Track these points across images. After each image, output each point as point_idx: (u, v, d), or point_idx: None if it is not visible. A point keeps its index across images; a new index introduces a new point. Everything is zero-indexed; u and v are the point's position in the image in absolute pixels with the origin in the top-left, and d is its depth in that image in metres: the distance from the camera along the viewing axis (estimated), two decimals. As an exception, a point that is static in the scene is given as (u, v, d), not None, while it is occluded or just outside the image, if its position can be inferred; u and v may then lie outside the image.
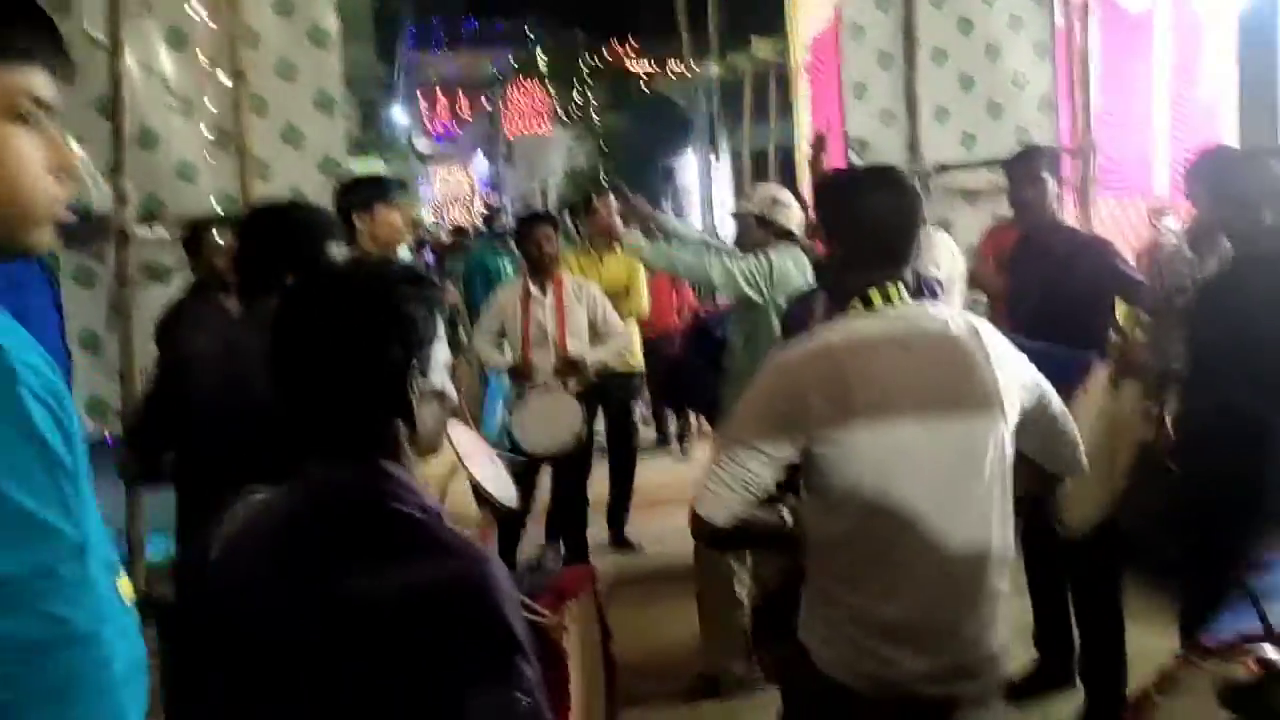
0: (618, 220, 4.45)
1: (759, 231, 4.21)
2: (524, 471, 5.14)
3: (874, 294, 2.09)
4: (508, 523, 5.14)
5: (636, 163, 18.03)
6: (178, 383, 2.54)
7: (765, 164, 12.42)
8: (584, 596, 1.92)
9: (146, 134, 5.02)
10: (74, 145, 4.88)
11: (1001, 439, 2.09)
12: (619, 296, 5.74)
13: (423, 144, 25.45)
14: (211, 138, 5.11)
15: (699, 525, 2.08)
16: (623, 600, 5.07)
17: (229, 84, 5.10)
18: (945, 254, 4.27)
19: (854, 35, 6.11)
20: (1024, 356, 2.19)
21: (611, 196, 5.18)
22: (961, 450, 2.04)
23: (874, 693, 2.04)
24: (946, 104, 6.16)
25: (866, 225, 2.11)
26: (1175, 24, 7.03)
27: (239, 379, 2.34)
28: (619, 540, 5.98)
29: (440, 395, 1.46)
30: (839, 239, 2.18)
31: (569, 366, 5.06)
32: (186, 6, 5.03)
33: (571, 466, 5.25)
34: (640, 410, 6.77)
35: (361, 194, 3.50)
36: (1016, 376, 2.14)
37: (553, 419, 4.99)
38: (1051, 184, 3.62)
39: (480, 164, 26.18)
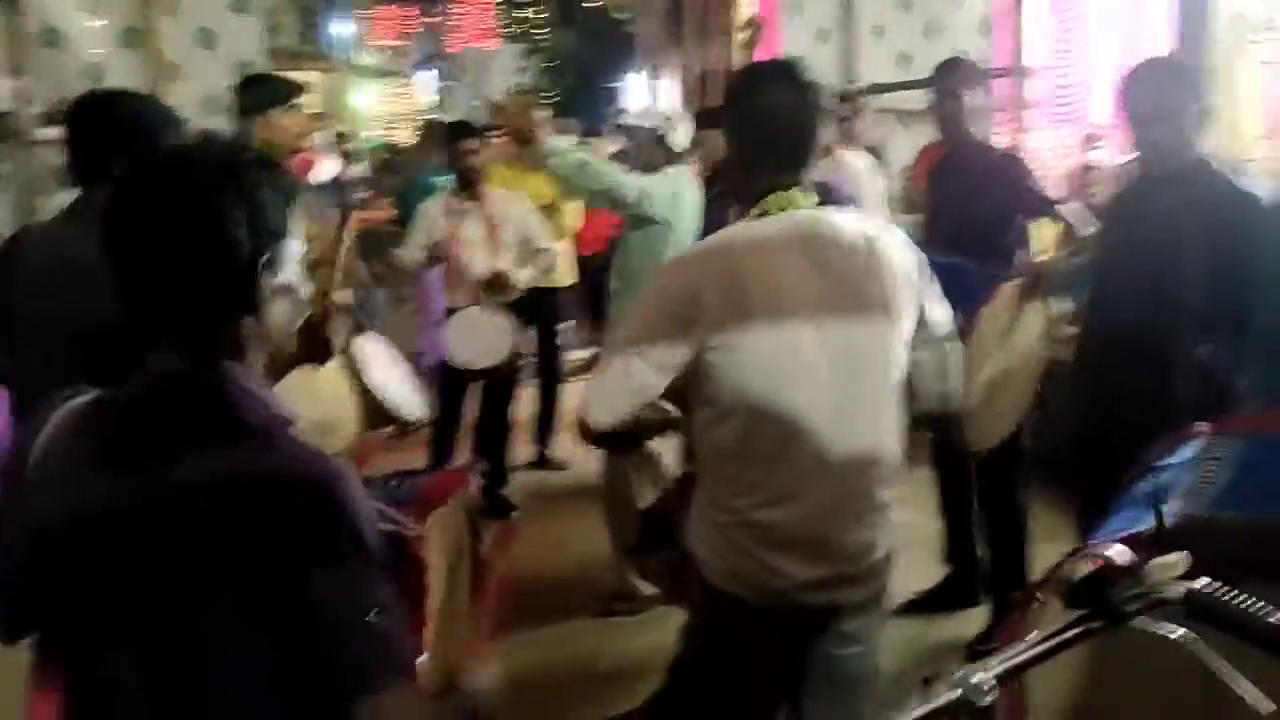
0: (535, 118, 4.14)
1: (656, 149, 4.14)
2: (452, 388, 5.10)
3: (774, 198, 2.04)
4: (441, 439, 5.10)
5: (583, 81, 17.73)
6: None
7: (708, 84, 12.23)
8: (452, 502, 1.88)
9: (51, 32, 4.81)
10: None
11: (895, 347, 2.07)
12: (546, 213, 5.63)
13: (365, 58, 24.76)
14: (120, 36, 4.91)
15: (585, 430, 2.06)
16: (544, 517, 5.08)
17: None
18: (851, 174, 4.22)
19: (792, -51, 6.00)
20: (928, 277, 2.16)
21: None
22: (852, 356, 2.02)
23: (759, 600, 2.04)
24: (884, 23, 6.10)
25: (764, 124, 2.05)
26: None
27: (47, 274, 2.24)
28: (544, 459, 5.96)
29: (291, 291, 1.37)
30: (739, 139, 2.13)
31: (496, 280, 4.98)
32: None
33: (498, 384, 5.19)
34: (573, 329, 6.71)
35: (255, 96, 3.34)
36: (912, 291, 2.11)
37: (483, 334, 4.90)
38: (969, 99, 3.58)
39: (427, 81, 25.56)
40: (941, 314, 2.21)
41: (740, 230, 2.08)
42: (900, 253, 2.11)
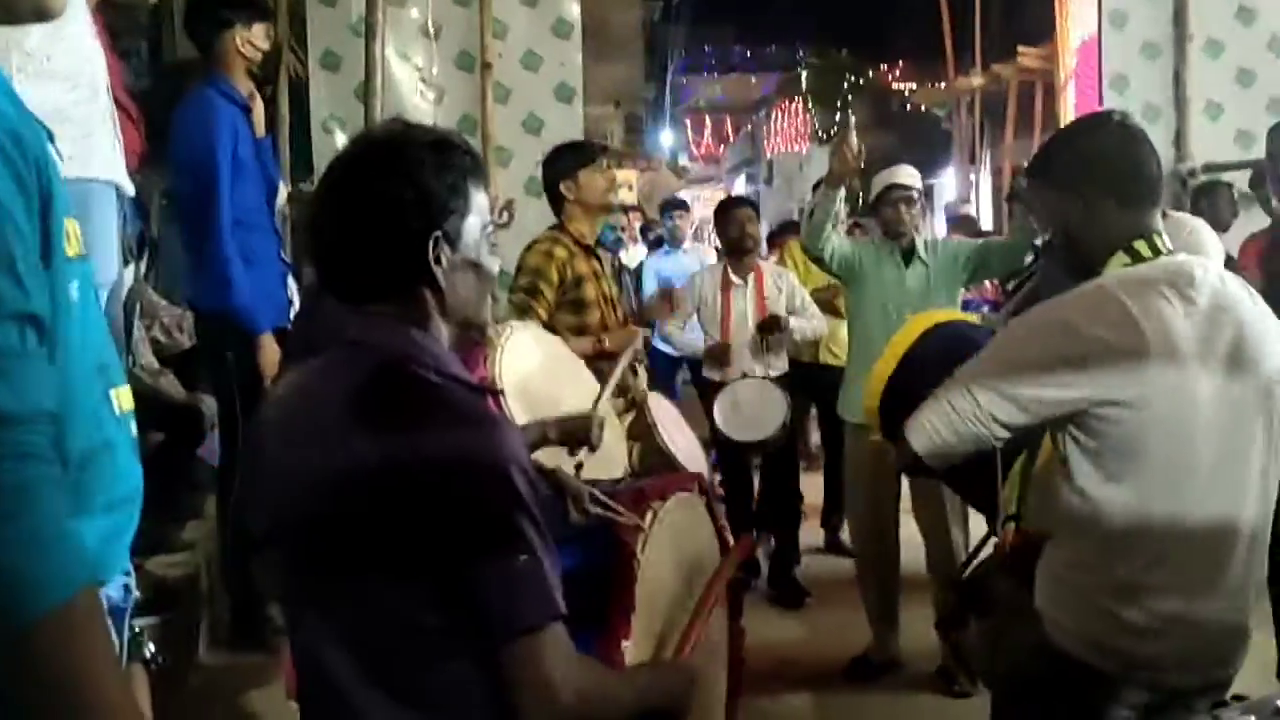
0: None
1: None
2: (733, 461, 5.10)
3: (1140, 244, 1.85)
4: (733, 511, 5.02)
5: (894, 180, 17.58)
6: None
7: (1026, 178, 11.84)
8: (681, 501, 1.84)
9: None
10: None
11: (1274, 409, 1.87)
12: (837, 288, 5.50)
13: (685, 164, 25.96)
14: (458, 125, 5.37)
15: (903, 453, 1.93)
16: (834, 604, 4.91)
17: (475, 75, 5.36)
18: (1213, 249, 3.90)
19: (1116, 24, 5.74)
20: None
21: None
22: (1238, 415, 1.83)
23: (1121, 671, 1.85)
24: (1221, 100, 5.67)
25: (1112, 164, 1.88)
26: None
27: None
28: (834, 543, 5.79)
29: (476, 266, 1.44)
30: (1078, 189, 1.90)
31: (769, 321, 4.96)
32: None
33: (776, 458, 5.12)
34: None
35: (565, 161, 3.59)
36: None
37: (757, 407, 4.88)
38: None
39: (740, 185, 26.35)
40: None
41: (1112, 275, 1.87)
42: (1267, 310, 1.92)
